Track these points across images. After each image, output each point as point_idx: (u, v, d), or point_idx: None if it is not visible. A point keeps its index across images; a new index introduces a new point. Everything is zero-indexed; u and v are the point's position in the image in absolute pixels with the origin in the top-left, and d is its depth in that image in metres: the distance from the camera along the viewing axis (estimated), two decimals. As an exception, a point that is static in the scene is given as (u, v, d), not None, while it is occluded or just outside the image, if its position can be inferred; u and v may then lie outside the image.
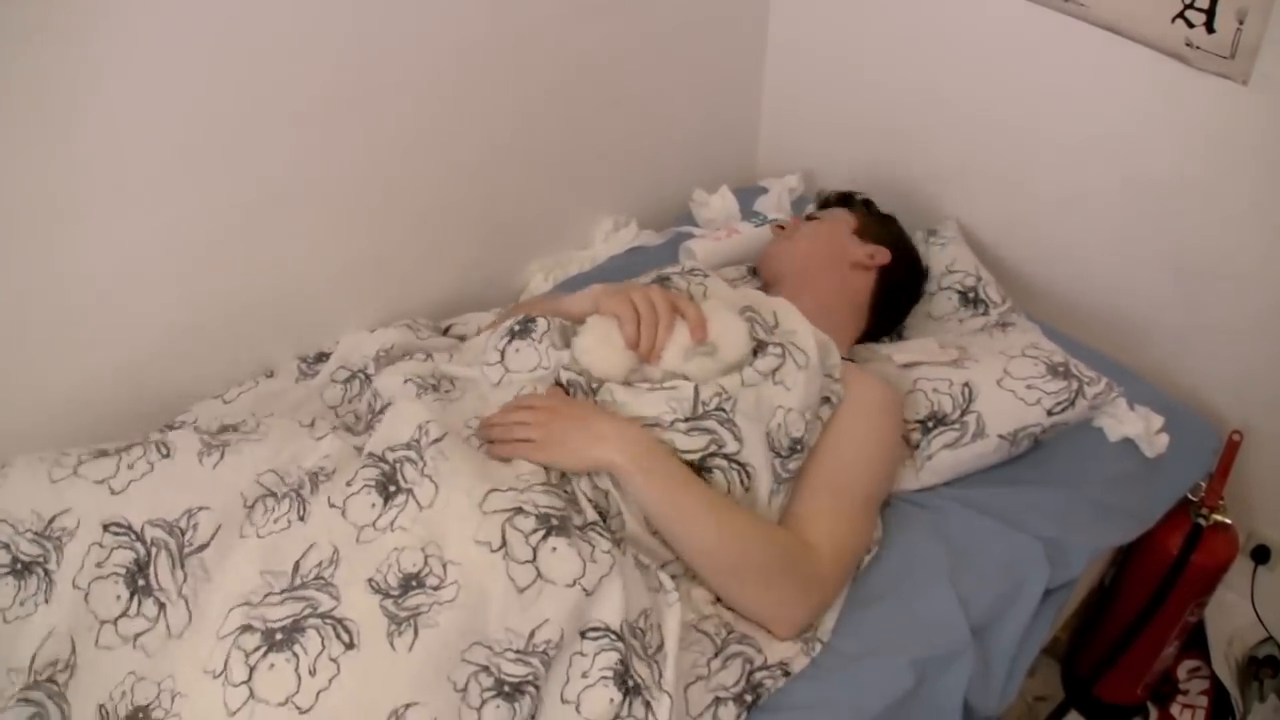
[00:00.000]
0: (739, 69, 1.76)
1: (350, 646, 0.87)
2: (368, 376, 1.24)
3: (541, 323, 1.16)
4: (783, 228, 1.47)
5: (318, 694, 0.84)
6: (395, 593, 0.91)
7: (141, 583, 0.94)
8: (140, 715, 0.88)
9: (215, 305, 1.22)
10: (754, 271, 1.52)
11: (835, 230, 1.40)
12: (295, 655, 0.86)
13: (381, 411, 1.10)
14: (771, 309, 1.19)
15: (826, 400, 1.14)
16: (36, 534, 0.95)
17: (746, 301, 1.19)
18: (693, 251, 1.54)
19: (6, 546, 0.94)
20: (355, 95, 1.22)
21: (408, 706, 0.84)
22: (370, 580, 0.92)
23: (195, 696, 0.87)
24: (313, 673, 0.85)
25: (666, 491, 1.01)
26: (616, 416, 1.06)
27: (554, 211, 1.59)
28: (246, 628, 0.88)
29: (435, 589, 0.91)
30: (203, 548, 0.95)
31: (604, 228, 1.66)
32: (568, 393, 1.09)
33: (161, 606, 0.93)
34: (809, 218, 1.48)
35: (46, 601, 0.92)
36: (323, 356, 1.32)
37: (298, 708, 0.84)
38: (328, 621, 0.88)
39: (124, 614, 0.93)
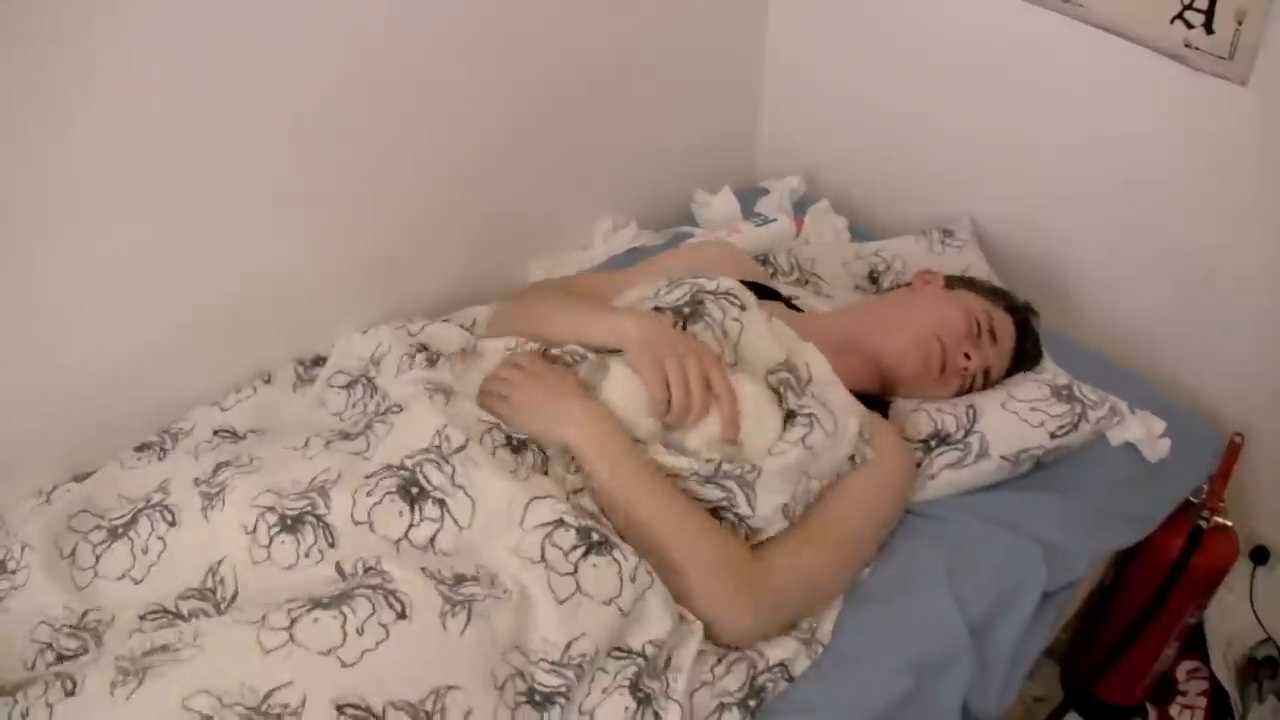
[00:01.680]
0: (739, 69, 1.76)
1: (402, 616, 0.85)
2: (370, 380, 1.22)
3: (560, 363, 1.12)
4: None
5: (363, 653, 0.82)
6: (449, 581, 0.89)
7: None
8: (160, 650, 0.85)
9: (215, 307, 1.22)
10: (756, 259, 1.51)
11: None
12: (343, 614, 0.83)
13: (384, 413, 1.08)
14: (805, 360, 1.15)
15: (851, 459, 1.11)
16: (73, 628, 0.96)
17: (781, 355, 1.14)
18: (693, 252, 1.54)
19: (50, 645, 0.95)
20: (355, 97, 1.22)
21: (450, 688, 0.83)
22: (423, 569, 0.90)
23: (223, 636, 0.84)
24: (360, 632, 0.83)
25: (621, 480, 1.00)
26: (590, 399, 1.05)
27: (554, 211, 1.59)
28: (290, 599, 0.86)
29: (490, 586, 0.90)
30: (235, 596, 0.95)
31: (604, 228, 1.66)
32: None
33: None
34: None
35: None
36: (320, 360, 1.31)
37: (341, 660, 0.81)
38: (379, 591, 0.86)
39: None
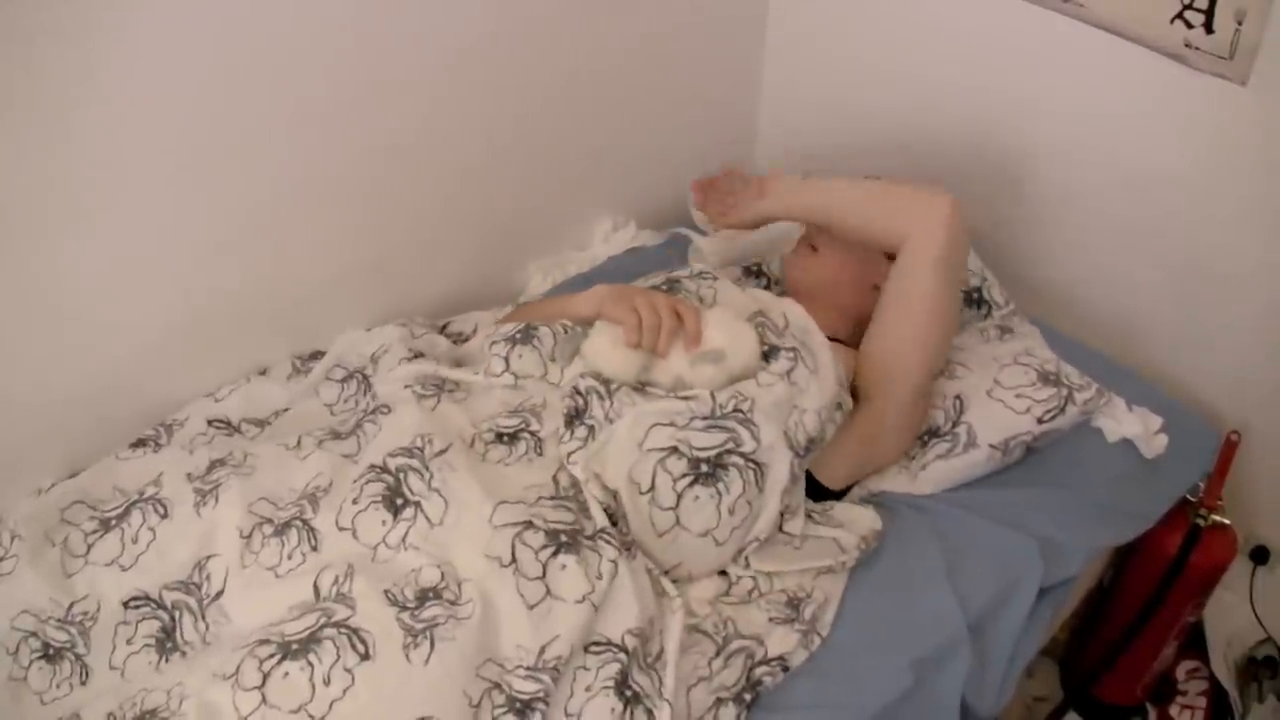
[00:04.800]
0: (737, 68, 1.76)
1: (365, 657, 0.87)
2: (366, 378, 1.24)
3: (545, 331, 1.16)
4: (813, 247, 1.38)
5: (331, 703, 0.84)
6: (412, 605, 0.91)
7: (170, 645, 0.96)
8: (148, 718, 0.88)
9: (214, 306, 1.22)
10: (747, 271, 1.52)
11: (866, 251, 1.34)
12: (310, 664, 0.86)
13: (373, 413, 1.10)
14: (781, 311, 1.18)
15: (839, 407, 1.14)
16: (60, 620, 0.98)
17: (757, 306, 1.19)
18: (701, 250, 1.53)
19: (35, 634, 0.97)
20: (354, 96, 1.22)
21: None
22: (387, 592, 0.92)
23: (203, 698, 0.86)
24: (327, 682, 0.85)
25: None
26: None
27: (552, 212, 1.59)
28: (263, 641, 0.89)
29: (452, 603, 0.92)
30: (220, 594, 0.97)
31: (603, 228, 1.66)
32: (585, 401, 1.09)
33: (184, 654, 0.96)
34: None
35: (83, 684, 0.96)
36: (317, 355, 1.32)
37: (310, 716, 0.84)
38: (343, 631, 0.88)
39: (154, 673, 0.95)
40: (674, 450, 1.03)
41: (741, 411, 1.05)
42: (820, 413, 1.10)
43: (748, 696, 0.97)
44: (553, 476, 1.03)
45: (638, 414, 1.05)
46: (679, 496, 1.02)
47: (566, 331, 1.16)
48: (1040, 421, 1.23)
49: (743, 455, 1.04)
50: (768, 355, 1.12)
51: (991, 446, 1.22)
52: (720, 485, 1.03)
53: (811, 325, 1.18)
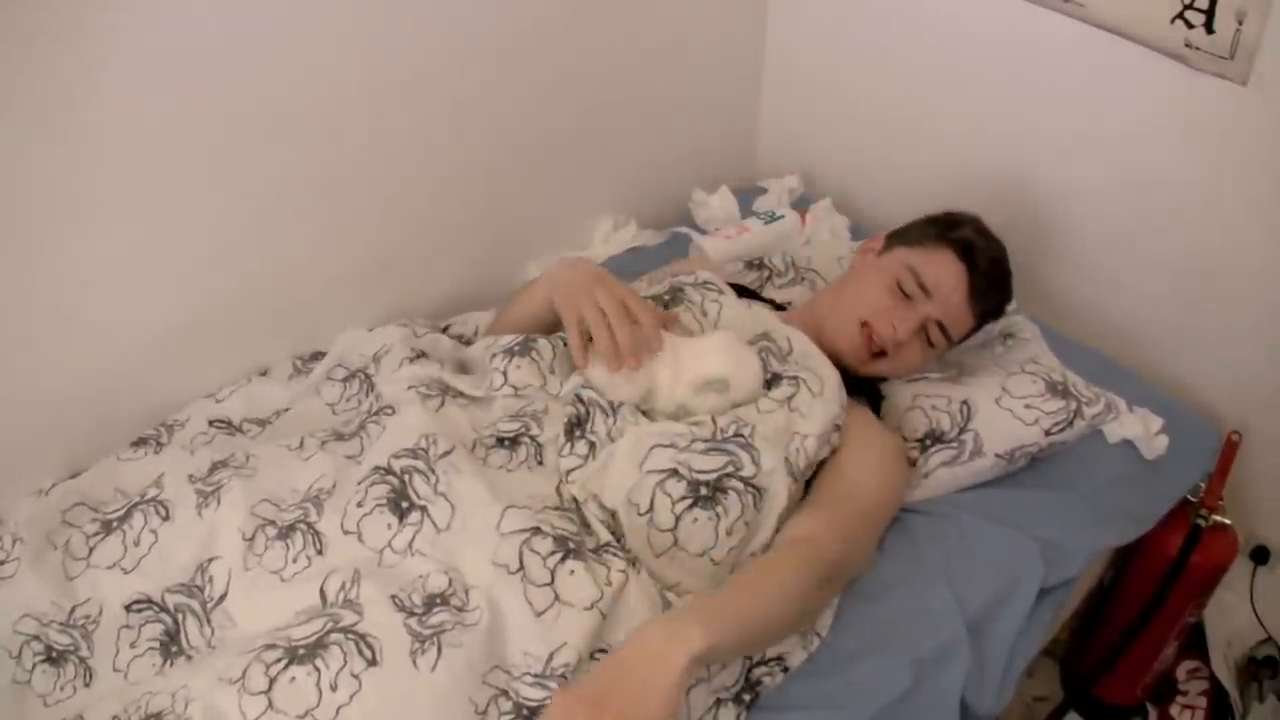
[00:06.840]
0: (738, 69, 1.76)
1: (373, 663, 0.86)
2: (368, 378, 1.24)
3: (544, 344, 1.15)
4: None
5: (338, 709, 0.84)
6: (419, 610, 0.91)
7: (175, 649, 0.96)
8: (154, 718, 0.88)
9: (215, 306, 1.22)
10: (750, 265, 1.52)
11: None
12: (317, 669, 0.85)
13: (377, 414, 1.10)
14: (785, 335, 1.17)
15: (837, 428, 1.12)
16: (62, 624, 0.98)
17: (761, 328, 1.17)
18: (704, 249, 1.53)
19: (38, 638, 0.97)
20: (356, 98, 1.22)
21: None
22: (394, 597, 0.91)
23: (209, 701, 0.86)
24: (334, 688, 0.85)
25: (734, 632, 0.88)
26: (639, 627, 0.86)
27: (553, 211, 1.59)
28: (270, 646, 0.88)
29: (460, 609, 0.91)
30: (223, 597, 0.96)
31: (603, 228, 1.66)
32: (587, 413, 1.07)
33: (190, 659, 0.95)
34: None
35: (87, 686, 0.95)
36: (318, 355, 1.32)
37: None
38: (350, 637, 0.88)
39: (159, 676, 0.95)
40: (674, 472, 1.02)
41: (743, 436, 1.04)
42: (820, 437, 1.09)
43: (747, 697, 0.97)
44: (555, 488, 1.03)
45: (639, 434, 1.04)
46: (677, 518, 1.01)
47: (566, 346, 1.14)
48: (1048, 434, 1.22)
49: (742, 480, 1.03)
50: (770, 383, 1.12)
51: (998, 456, 1.21)
52: (719, 508, 1.01)
53: (817, 353, 1.16)
